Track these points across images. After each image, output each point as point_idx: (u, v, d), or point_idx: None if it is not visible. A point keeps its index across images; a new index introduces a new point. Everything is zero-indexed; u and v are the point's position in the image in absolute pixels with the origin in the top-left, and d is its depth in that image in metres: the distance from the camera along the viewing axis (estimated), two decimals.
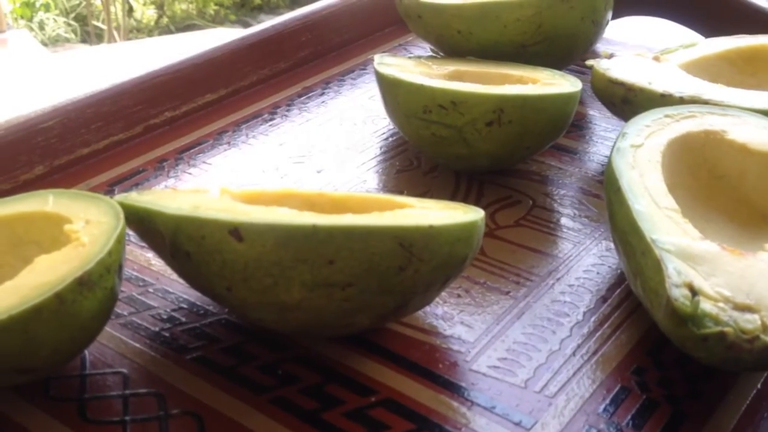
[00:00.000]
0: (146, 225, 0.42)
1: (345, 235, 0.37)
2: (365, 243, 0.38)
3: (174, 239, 0.40)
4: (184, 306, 0.47)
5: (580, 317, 0.46)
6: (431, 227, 0.39)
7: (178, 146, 0.64)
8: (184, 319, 0.46)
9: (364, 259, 0.38)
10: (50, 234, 0.43)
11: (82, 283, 0.37)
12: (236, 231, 0.38)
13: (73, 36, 3.24)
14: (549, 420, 0.40)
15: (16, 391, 0.41)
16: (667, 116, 0.52)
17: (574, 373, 0.43)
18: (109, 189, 0.59)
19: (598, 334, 0.45)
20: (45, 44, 2.97)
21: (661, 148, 0.49)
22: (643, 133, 0.50)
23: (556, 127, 0.56)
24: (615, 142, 0.50)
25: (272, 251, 0.38)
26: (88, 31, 3.24)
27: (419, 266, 0.39)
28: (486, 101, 0.53)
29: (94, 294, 0.38)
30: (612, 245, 0.52)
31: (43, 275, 0.37)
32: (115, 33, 3.12)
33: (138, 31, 3.34)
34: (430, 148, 0.57)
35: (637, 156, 0.48)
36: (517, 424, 0.40)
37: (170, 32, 3.33)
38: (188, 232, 0.39)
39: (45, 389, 0.41)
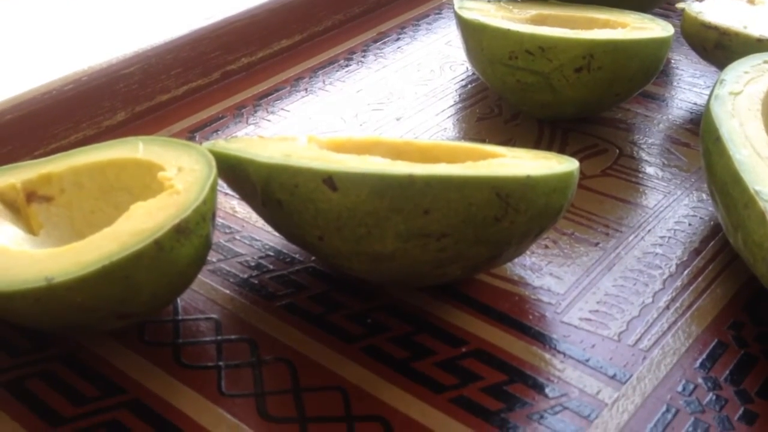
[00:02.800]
0: (236, 173, 0.42)
1: (442, 184, 0.37)
2: (462, 193, 0.37)
3: (266, 187, 0.40)
4: (271, 253, 0.47)
5: (672, 270, 0.45)
6: (528, 177, 0.38)
7: (255, 93, 0.64)
8: (271, 267, 0.46)
9: (460, 210, 0.37)
10: (141, 181, 0.43)
11: (180, 231, 0.37)
12: (330, 180, 0.38)
13: None
14: (644, 374, 0.39)
15: (113, 335, 0.42)
16: (766, 62, 0.50)
17: (669, 327, 0.42)
18: (189, 135, 0.59)
19: (692, 287, 0.44)
20: None
21: (761, 96, 0.47)
22: (742, 80, 0.48)
23: (647, 74, 0.54)
24: (712, 90, 0.48)
25: (367, 201, 0.37)
26: None
27: (515, 217, 0.38)
28: (576, 47, 0.51)
29: (190, 241, 0.38)
30: (704, 196, 0.51)
31: (141, 222, 0.38)
32: None
33: None
34: (514, 95, 0.56)
35: (736, 104, 0.46)
36: (612, 377, 0.39)
37: None
38: (281, 180, 0.39)
39: (140, 334, 0.42)
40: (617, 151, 0.56)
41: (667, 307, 0.43)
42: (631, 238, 0.48)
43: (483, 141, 0.57)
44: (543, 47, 0.52)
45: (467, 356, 0.40)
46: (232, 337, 0.41)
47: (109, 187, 0.44)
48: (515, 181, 0.38)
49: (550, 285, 0.44)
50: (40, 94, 0.55)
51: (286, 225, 0.42)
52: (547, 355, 0.40)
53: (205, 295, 0.44)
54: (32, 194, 0.43)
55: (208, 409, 0.37)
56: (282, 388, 0.38)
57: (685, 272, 0.45)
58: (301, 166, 0.39)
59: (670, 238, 0.47)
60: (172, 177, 0.41)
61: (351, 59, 0.68)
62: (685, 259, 0.46)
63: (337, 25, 0.73)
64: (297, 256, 0.46)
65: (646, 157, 0.55)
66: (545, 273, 0.45)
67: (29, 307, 0.35)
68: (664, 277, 0.45)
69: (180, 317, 0.43)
